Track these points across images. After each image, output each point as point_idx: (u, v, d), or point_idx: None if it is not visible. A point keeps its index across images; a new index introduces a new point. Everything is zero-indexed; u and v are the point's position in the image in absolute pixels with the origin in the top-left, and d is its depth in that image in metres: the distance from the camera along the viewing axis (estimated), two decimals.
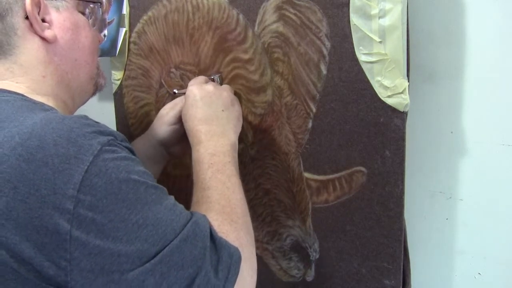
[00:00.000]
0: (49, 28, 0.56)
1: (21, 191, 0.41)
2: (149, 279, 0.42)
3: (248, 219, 0.56)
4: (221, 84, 0.73)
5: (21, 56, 0.54)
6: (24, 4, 0.53)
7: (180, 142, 0.74)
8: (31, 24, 0.54)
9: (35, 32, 0.54)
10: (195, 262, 0.44)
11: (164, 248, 0.43)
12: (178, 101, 0.73)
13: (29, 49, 0.54)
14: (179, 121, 0.71)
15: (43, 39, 0.55)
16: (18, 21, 0.53)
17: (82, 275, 0.41)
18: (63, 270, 0.41)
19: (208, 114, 0.64)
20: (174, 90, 0.76)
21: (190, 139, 0.64)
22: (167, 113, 0.73)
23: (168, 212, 0.46)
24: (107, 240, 0.41)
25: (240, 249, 0.48)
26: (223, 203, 0.54)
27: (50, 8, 0.56)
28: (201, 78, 0.71)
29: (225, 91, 0.68)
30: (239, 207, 0.55)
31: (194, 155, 0.62)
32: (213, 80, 0.73)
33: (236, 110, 0.68)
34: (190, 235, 0.45)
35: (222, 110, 0.66)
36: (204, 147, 0.61)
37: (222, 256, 0.46)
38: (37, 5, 0.54)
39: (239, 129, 0.68)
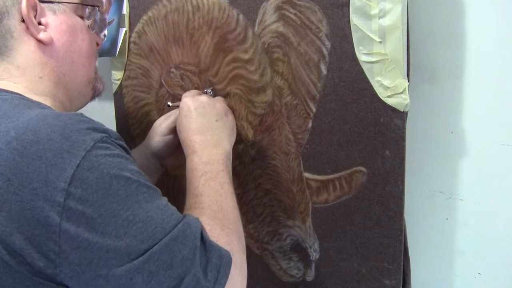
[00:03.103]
0: (44, 30, 0.56)
1: (14, 184, 0.41)
2: (137, 277, 0.42)
3: (239, 226, 0.56)
4: (214, 97, 0.74)
5: (18, 57, 0.55)
6: (21, 7, 0.54)
7: (173, 154, 0.75)
8: (27, 27, 0.54)
9: (31, 35, 0.55)
10: (184, 262, 0.44)
11: (154, 246, 0.43)
12: (172, 113, 0.74)
13: (25, 51, 0.55)
14: (172, 132, 0.72)
15: (39, 41, 0.55)
16: (14, 23, 0.54)
17: (70, 268, 0.42)
18: (52, 262, 0.41)
19: (202, 125, 0.65)
20: (168, 103, 0.77)
21: (185, 149, 0.65)
22: (160, 124, 0.74)
23: (159, 212, 0.46)
24: (96, 234, 0.42)
25: (231, 254, 0.48)
26: (215, 209, 0.54)
27: (47, 11, 0.57)
28: (194, 91, 0.72)
29: (219, 102, 0.69)
30: (231, 213, 0.55)
31: (188, 164, 0.62)
32: (205, 93, 0.74)
33: (230, 120, 0.69)
34: (180, 235, 0.45)
35: (216, 121, 0.66)
36: (198, 156, 0.62)
37: (211, 258, 0.46)
38: (34, 8, 0.55)
39: (233, 139, 0.68)
